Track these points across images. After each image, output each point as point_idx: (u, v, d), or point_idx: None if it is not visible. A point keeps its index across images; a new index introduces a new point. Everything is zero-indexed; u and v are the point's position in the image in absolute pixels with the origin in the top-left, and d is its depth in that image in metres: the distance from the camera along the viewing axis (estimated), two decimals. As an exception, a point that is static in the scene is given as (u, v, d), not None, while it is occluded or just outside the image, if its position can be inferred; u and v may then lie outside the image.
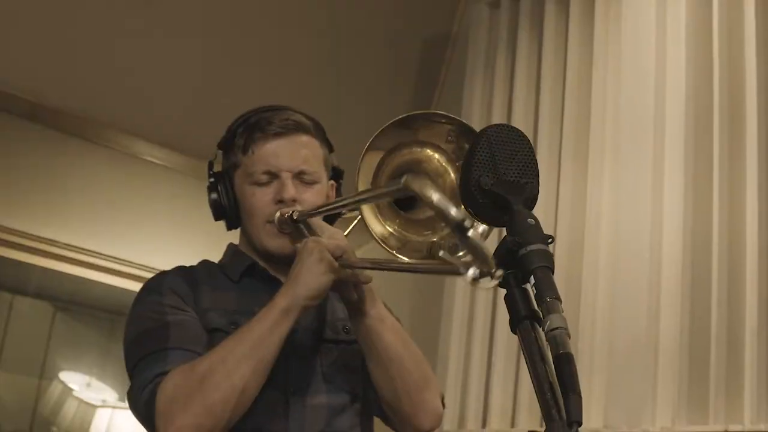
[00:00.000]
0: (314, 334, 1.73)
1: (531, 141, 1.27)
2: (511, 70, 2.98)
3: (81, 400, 4.19)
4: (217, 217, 1.79)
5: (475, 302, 2.85)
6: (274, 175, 1.71)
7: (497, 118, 2.92)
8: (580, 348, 2.44)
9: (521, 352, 2.55)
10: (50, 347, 4.53)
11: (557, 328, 1.04)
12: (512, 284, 1.14)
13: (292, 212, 1.66)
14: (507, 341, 2.69)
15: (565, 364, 1.02)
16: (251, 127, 1.75)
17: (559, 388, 1.02)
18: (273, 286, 1.65)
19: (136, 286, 1.79)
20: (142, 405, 1.51)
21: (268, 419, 1.59)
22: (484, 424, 2.69)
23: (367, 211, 1.52)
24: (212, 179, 1.78)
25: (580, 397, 0.99)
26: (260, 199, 1.72)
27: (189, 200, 3.04)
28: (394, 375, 1.63)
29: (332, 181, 1.83)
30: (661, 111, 2.36)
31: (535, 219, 1.18)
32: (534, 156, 1.26)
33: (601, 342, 2.40)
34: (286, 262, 1.65)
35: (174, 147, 3.04)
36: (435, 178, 1.54)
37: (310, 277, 1.53)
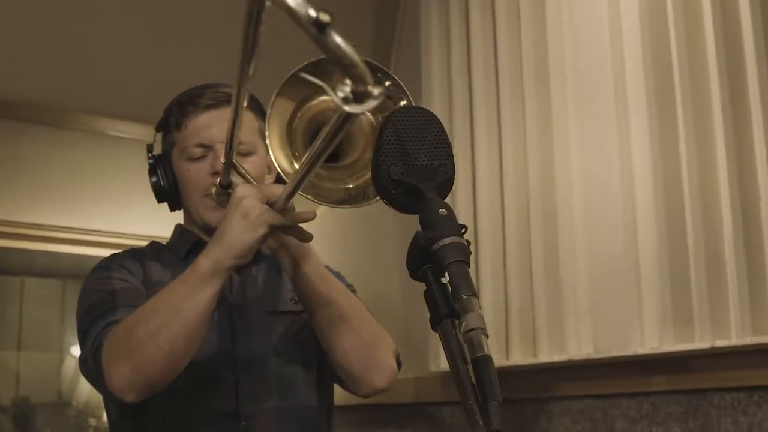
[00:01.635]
0: (261, 308, 1.71)
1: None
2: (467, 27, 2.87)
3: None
4: (159, 200, 1.79)
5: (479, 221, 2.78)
6: (207, 148, 1.70)
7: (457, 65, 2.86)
8: (563, 277, 2.40)
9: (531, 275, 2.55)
10: (65, 321, 4.61)
11: (473, 329, 1.01)
12: (430, 280, 1.10)
13: (219, 180, 1.61)
14: (492, 261, 2.66)
15: (483, 367, 0.98)
16: (183, 104, 1.74)
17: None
18: None
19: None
20: (91, 358, 1.52)
21: (218, 399, 1.60)
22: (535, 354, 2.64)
23: (278, 150, 1.43)
24: (151, 161, 1.77)
25: (500, 402, 0.96)
26: (195, 174, 1.71)
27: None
28: (342, 334, 1.61)
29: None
30: (619, 51, 2.27)
31: (448, 208, 1.13)
32: (445, 135, 1.21)
33: (583, 271, 2.36)
34: None
35: (136, 118, 2.98)
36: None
37: (233, 236, 1.43)
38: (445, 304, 1.06)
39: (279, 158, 1.42)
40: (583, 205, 2.37)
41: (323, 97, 1.44)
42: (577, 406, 2.51)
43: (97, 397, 4.11)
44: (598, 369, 2.37)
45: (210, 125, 1.70)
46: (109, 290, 1.61)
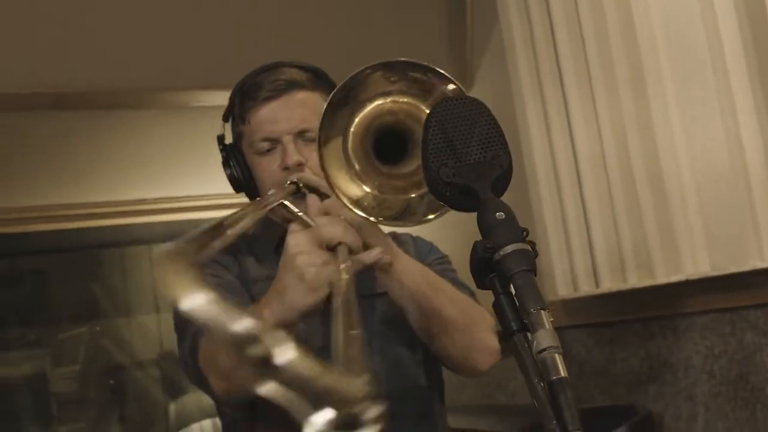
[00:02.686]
0: (357, 293, 1.64)
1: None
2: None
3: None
4: (236, 190, 1.73)
5: (557, 165, 2.69)
6: (274, 141, 1.62)
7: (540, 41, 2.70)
8: (671, 198, 2.27)
9: (613, 206, 2.44)
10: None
11: (545, 349, 0.93)
12: (498, 290, 1.02)
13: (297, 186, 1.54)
14: (598, 196, 2.55)
15: (561, 392, 0.90)
16: (244, 96, 1.65)
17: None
18: None
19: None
20: (188, 357, 1.51)
21: None
22: (597, 285, 2.59)
23: (338, 174, 1.36)
24: (223, 154, 1.71)
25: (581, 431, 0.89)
26: (266, 169, 1.63)
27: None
28: (438, 326, 1.53)
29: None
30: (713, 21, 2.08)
31: (506, 209, 1.04)
32: (496, 124, 1.11)
33: (691, 190, 2.23)
34: None
35: (211, 87, 2.95)
36: (410, 121, 1.37)
37: (292, 299, 1.32)
38: (516, 318, 0.99)
39: (347, 188, 1.36)
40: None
41: (370, 106, 1.36)
42: (701, 321, 2.41)
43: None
44: (717, 284, 2.25)
45: (273, 119, 1.61)
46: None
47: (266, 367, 0.55)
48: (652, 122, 2.32)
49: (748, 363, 2.28)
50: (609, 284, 2.53)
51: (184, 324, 1.55)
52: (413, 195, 1.38)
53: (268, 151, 1.63)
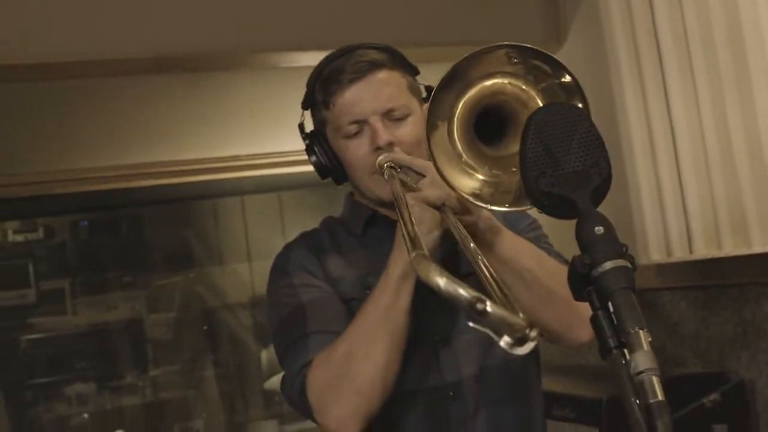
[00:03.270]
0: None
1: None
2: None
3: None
4: (323, 177, 1.73)
5: (652, 127, 2.64)
6: (362, 123, 1.62)
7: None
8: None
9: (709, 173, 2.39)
10: (284, 230, 4.87)
11: (644, 371, 0.93)
12: (596, 305, 1.02)
13: (384, 170, 1.56)
14: (694, 161, 2.49)
15: (658, 416, 0.91)
16: (325, 81, 1.65)
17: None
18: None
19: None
20: (296, 397, 1.53)
21: (422, 376, 1.57)
22: (690, 251, 2.55)
23: (448, 167, 1.36)
24: (306, 141, 1.71)
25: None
26: (356, 152, 1.63)
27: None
28: (537, 300, 1.53)
29: (426, 105, 1.65)
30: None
31: (605, 223, 1.03)
32: (595, 131, 1.10)
33: None
34: None
35: (303, 47, 2.96)
36: (516, 103, 1.35)
37: None
38: (614, 335, 0.99)
39: (460, 181, 1.36)
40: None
41: (476, 88, 1.35)
42: (800, 289, 2.37)
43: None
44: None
45: (359, 100, 1.60)
46: (296, 305, 1.60)
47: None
48: (752, 87, 2.25)
49: None
50: (704, 251, 2.49)
51: (291, 362, 1.56)
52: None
53: (356, 134, 1.63)
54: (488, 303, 0.93)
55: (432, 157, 1.36)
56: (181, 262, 4.91)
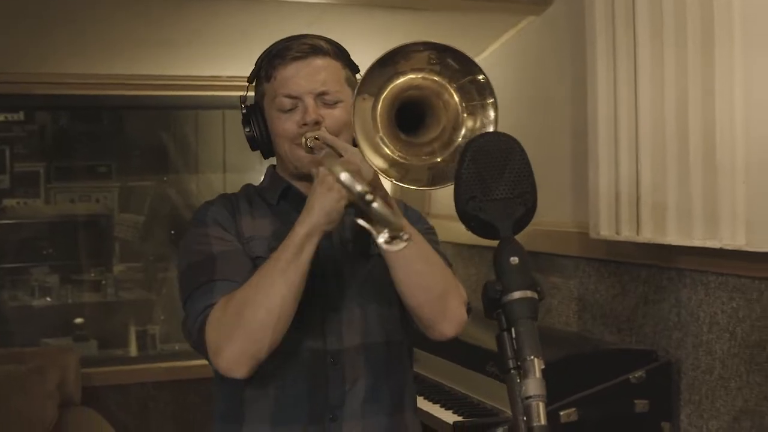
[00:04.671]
0: (345, 250, 1.82)
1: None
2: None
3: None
4: (252, 148, 1.88)
5: (618, 109, 2.72)
6: (296, 99, 1.76)
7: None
8: (720, 162, 2.31)
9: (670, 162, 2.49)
10: (226, 146, 4.98)
11: (531, 397, 1.05)
12: (502, 326, 1.14)
13: (307, 141, 1.73)
14: (653, 150, 2.59)
15: (538, 439, 1.03)
16: (272, 56, 1.80)
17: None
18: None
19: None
20: (195, 335, 1.67)
21: (306, 336, 1.73)
22: (638, 233, 2.66)
23: (365, 145, 1.50)
24: (244, 112, 1.86)
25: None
26: (284, 123, 1.78)
27: (324, 25, 3.12)
28: (416, 287, 1.70)
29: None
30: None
31: (521, 254, 1.14)
32: (528, 163, 1.20)
33: (740, 166, 2.27)
34: None
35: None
36: (434, 98, 1.53)
37: (320, 206, 1.57)
38: (513, 358, 1.10)
39: (371, 152, 1.49)
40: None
41: (404, 78, 1.50)
42: (733, 282, 2.49)
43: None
44: (751, 257, 2.33)
45: (298, 76, 1.76)
46: (207, 253, 1.73)
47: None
48: (715, 88, 2.34)
49: (768, 332, 2.38)
50: (650, 235, 2.60)
51: (194, 303, 1.70)
52: (438, 159, 1.53)
53: (290, 110, 1.78)
54: (377, 198, 1.17)
55: (353, 115, 1.50)
56: (157, 165, 4.98)
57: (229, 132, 4.99)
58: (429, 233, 1.88)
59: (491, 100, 1.48)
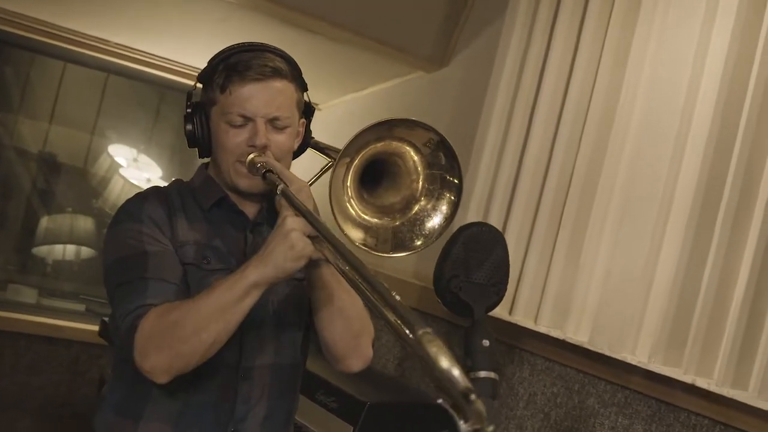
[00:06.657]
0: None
1: None
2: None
3: (126, 180, 4.45)
4: (190, 146, 1.91)
5: (495, 183, 2.91)
6: (248, 119, 1.81)
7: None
8: (582, 267, 2.54)
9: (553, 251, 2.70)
10: (102, 110, 4.82)
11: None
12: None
13: (260, 165, 1.77)
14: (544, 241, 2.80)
15: None
16: (230, 68, 1.82)
17: None
18: (240, 218, 1.86)
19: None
20: (123, 332, 1.69)
21: (224, 348, 1.74)
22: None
23: (342, 218, 1.62)
24: (189, 110, 1.88)
25: None
26: (233, 139, 1.82)
27: (232, 23, 3.15)
28: (337, 323, 1.80)
29: (303, 119, 1.94)
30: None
31: (491, 338, 1.27)
32: (507, 257, 1.33)
33: (600, 278, 2.51)
34: (254, 199, 1.85)
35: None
36: (404, 176, 1.66)
37: (280, 261, 1.60)
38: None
39: (344, 225, 1.62)
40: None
41: (378, 144, 1.63)
42: (559, 370, 2.72)
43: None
44: (587, 353, 2.56)
45: (254, 99, 1.80)
46: (140, 249, 1.75)
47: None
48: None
49: (580, 422, 2.60)
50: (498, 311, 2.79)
51: (125, 298, 1.71)
52: (397, 223, 1.65)
53: (240, 126, 1.82)
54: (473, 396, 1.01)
55: (331, 179, 1.62)
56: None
57: (66, 86, 4.83)
58: None
59: (454, 198, 1.56)
